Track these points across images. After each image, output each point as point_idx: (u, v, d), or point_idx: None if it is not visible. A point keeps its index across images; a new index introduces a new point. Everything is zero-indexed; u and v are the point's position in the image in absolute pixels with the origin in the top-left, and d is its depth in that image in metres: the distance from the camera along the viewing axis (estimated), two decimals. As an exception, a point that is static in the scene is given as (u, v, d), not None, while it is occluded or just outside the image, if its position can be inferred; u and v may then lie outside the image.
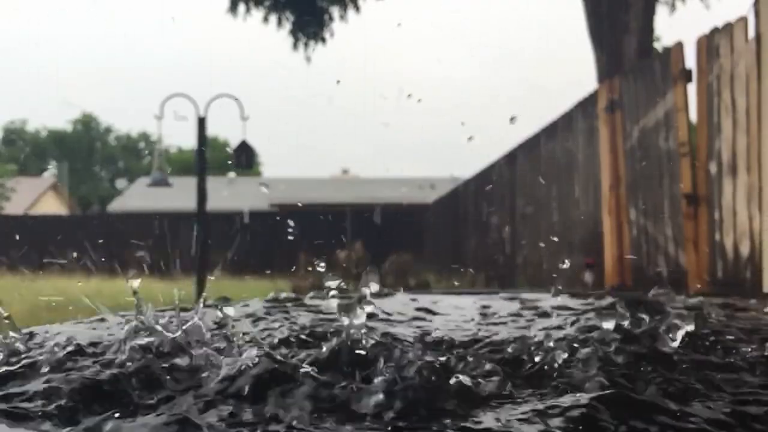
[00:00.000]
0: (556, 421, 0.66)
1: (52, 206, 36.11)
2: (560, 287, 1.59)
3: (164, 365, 0.83)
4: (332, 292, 1.13)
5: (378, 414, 0.70)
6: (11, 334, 0.95)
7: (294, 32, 12.69)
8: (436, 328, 1.16)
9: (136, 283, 0.98)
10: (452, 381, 0.75)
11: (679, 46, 5.52)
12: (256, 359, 0.79)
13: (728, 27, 4.82)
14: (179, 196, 19.51)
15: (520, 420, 0.68)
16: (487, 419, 0.69)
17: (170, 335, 0.90)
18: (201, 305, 0.99)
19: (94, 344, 0.96)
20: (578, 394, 0.73)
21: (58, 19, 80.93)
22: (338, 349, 0.84)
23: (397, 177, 31.60)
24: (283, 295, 1.54)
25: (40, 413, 0.71)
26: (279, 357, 0.81)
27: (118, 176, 47.75)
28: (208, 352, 0.86)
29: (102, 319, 1.24)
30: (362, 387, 0.75)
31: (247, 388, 0.75)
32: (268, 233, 17.21)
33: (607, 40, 8.14)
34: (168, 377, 0.81)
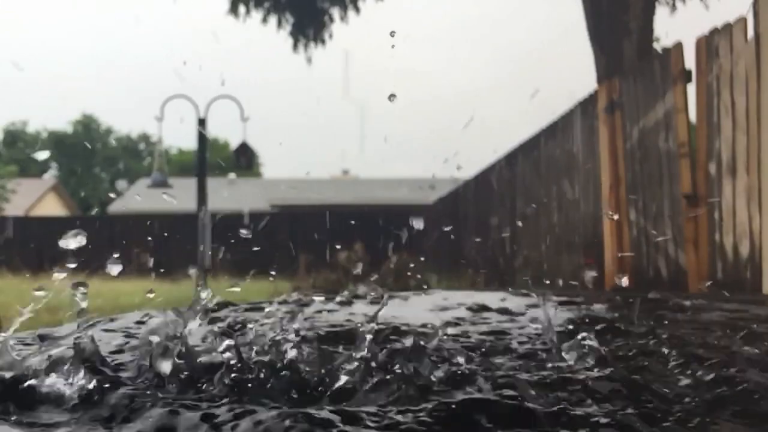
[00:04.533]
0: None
1: (53, 208, 36.13)
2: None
3: None
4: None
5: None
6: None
7: (294, 33, 12.69)
8: None
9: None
10: None
11: (679, 46, 5.52)
12: None
13: (727, 27, 4.82)
14: (179, 197, 19.51)
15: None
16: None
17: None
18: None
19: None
20: None
21: (58, 19, 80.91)
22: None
23: (397, 177, 31.61)
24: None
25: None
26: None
27: (118, 177, 47.79)
28: None
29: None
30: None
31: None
32: (268, 234, 17.20)
33: (607, 40, 8.14)
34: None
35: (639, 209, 6.18)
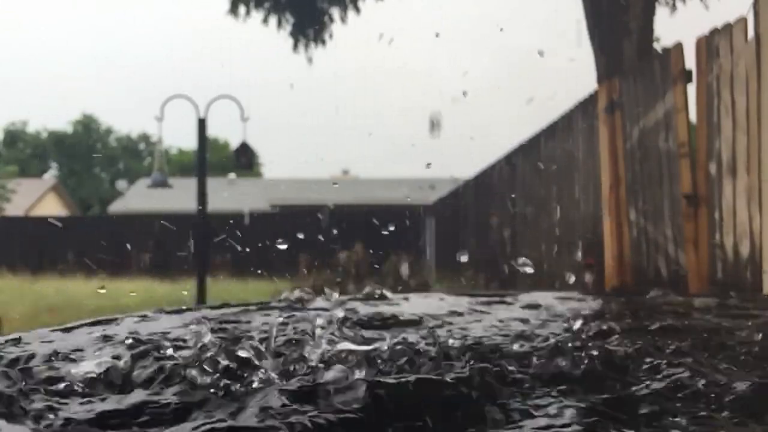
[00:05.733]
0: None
1: (53, 208, 36.13)
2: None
3: None
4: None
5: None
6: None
7: (294, 34, 12.69)
8: None
9: None
10: None
11: (679, 46, 5.52)
12: None
13: (728, 27, 4.82)
14: (180, 197, 19.52)
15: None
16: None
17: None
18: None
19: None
20: None
21: (58, 19, 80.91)
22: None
23: (398, 177, 31.59)
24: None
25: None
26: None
27: (118, 177, 47.80)
28: None
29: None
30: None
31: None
32: (268, 234, 17.18)
33: (607, 40, 8.13)
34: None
35: (639, 209, 6.18)
